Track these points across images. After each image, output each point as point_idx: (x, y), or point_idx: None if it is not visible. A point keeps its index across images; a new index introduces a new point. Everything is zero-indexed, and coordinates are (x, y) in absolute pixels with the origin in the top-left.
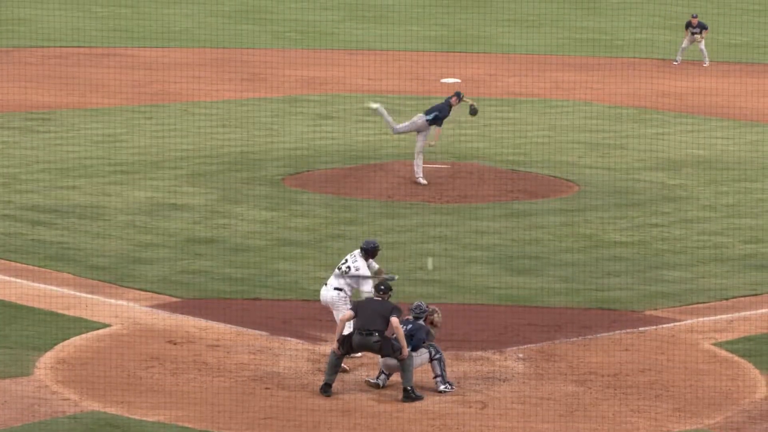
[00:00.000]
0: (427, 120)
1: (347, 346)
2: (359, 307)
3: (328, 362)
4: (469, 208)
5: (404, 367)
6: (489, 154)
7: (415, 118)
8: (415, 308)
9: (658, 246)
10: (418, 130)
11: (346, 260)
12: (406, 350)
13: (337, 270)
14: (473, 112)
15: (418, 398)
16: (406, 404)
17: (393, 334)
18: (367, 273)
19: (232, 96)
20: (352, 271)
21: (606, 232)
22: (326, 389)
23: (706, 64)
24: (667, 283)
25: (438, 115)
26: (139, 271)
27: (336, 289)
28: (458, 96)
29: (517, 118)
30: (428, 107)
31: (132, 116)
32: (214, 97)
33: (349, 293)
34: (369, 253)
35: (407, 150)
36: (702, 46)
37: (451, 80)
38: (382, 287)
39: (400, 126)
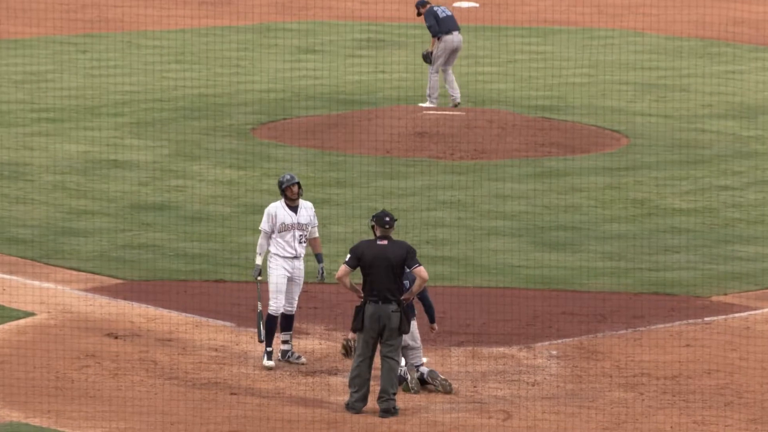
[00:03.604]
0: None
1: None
2: (362, 255)
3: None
4: (489, 166)
5: (398, 354)
6: (514, 97)
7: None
8: None
9: (728, 214)
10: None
11: None
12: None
13: None
14: (425, 58)
15: (395, 413)
16: (407, 413)
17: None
18: (265, 218)
19: (189, 24)
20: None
21: (662, 197)
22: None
23: None
24: (740, 261)
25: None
26: (70, 246)
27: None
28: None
29: (550, 53)
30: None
31: (62, 49)
32: (165, 26)
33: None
34: (280, 189)
35: (408, 93)
36: None
37: (466, 4)
38: (387, 219)
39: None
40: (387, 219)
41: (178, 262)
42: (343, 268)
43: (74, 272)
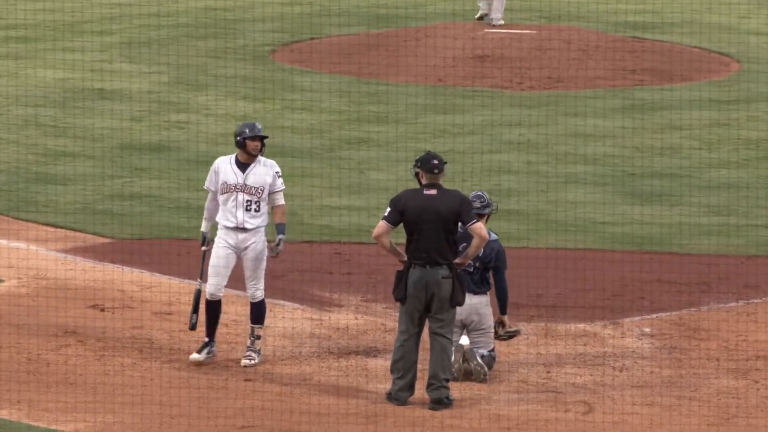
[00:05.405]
0: None
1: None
2: (405, 208)
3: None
4: (566, 97)
5: (445, 335)
6: (598, 11)
7: None
8: (475, 198)
9: None
10: None
11: None
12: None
13: None
14: None
15: (449, 404)
16: (464, 404)
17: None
18: (209, 174)
19: None
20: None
21: None
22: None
23: None
24: None
25: None
26: (46, 196)
27: None
28: None
29: None
30: None
31: None
32: None
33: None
34: (236, 141)
35: (466, 6)
36: None
37: None
38: (435, 162)
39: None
40: (435, 162)
41: (179, 217)
42: (381, 225)
43: (50, 229)
